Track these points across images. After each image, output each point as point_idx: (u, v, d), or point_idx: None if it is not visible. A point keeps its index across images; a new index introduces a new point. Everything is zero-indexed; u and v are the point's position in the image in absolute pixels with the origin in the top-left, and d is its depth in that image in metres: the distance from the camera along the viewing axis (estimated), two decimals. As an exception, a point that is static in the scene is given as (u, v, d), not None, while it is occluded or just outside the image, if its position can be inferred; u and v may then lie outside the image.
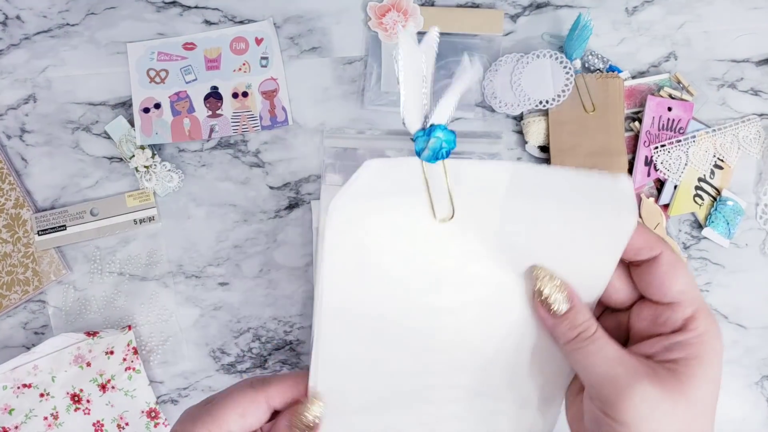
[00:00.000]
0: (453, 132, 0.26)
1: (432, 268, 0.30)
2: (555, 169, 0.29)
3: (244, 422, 0.29)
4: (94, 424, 0.59)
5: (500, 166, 0.28)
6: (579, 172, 0.28)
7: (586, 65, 0.61)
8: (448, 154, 0.27)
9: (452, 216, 0.28)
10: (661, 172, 0.59)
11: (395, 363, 0.32)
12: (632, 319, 0.30)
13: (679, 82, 0.61)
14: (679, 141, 0.59)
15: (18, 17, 0.64)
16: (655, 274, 0.29)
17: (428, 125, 0.26)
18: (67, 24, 0.63)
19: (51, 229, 0.61)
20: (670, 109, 0.60)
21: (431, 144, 0.26)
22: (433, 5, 0.62)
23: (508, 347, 0.32)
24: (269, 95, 0.62)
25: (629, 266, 0.31)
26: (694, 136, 0.60)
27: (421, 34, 0.62)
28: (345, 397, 0.32)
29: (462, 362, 0.32)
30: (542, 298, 0.29)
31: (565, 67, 0.59)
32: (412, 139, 0.27)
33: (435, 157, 0.26)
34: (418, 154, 0.27)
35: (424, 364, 0.32)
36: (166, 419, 0.60)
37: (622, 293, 0.31)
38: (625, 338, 0.30)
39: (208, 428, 0.29)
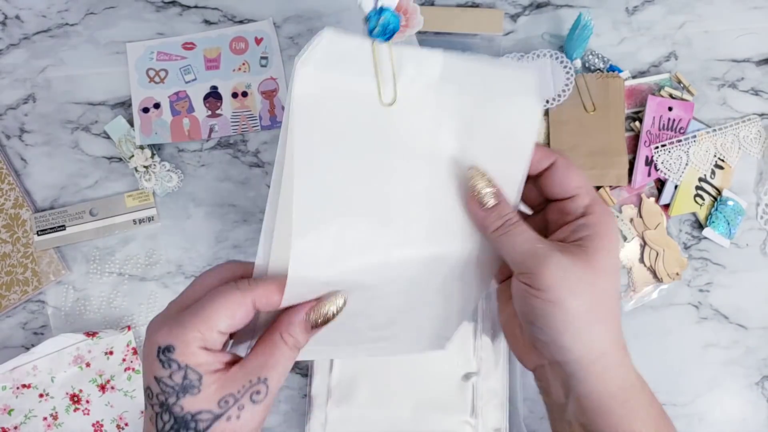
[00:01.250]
0: (398, 15, 0.32)
1: (382, 142, 0.34)
2: (477, 61, 0.34)
3: (232, 322, 0.31)
4: (93, 425, 0.59)
5: (434, 54, 0.33)
6: (493, 64, 0.35)
7: (587, 65, 0.61)
8: (393, 32, 0.32)
9: (394, 101, 0.33)
10: (661, 172, 0.59)
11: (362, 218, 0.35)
12: (546, 217, 0.37)
13: (679, 82, 0.61)
14: (680, 141, 0.59)
15: (17, 17, 0.63)
16: (554, 177, 0.35)
17: (379, 6, 0.32)
18: (67, 24, 0.63)
19: (50, 229, 0.61)
20: (670, 108, 0.59)
21: (381, 21, 0.32)
22: (433, 5, 0.62)
23: (447, 207, 0.36)
24: (269, 95, 0.62)
25: (534, 179, 0.36)
26: (695, 136, 0.59)
27: (421, 34, 0.62)
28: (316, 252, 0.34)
29: (417, 215, 0.35)
30: (474, 193, 0.34)
31: (565, 66, 0.59)
32: (365, 19, 0.32)
33: (384, 32, 0.32)
34: (371, 32, 0.32)
35: (387, 218, 0.35)
36: (165, 420, 0.60)
37: (533, 197, 0.37)
38: (544, 236, 0.35)
39: (199, 330, 0.30)
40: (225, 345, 0.33)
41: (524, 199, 0.37)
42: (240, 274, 0.33)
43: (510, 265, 0.34)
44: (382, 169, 0.34)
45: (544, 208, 0.37)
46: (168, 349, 0.30)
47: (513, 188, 0.36)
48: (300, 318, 0.32)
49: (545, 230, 0.36)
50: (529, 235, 0.33)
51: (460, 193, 0.35)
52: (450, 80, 0.33)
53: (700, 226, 0.60)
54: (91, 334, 0.58)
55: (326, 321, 0.32)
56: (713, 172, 0.60)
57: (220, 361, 0.31)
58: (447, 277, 0.37)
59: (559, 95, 0.59)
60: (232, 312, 0.30)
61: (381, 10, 0.32)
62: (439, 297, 0.38)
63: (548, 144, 0.60)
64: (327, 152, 0.32)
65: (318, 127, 0.32)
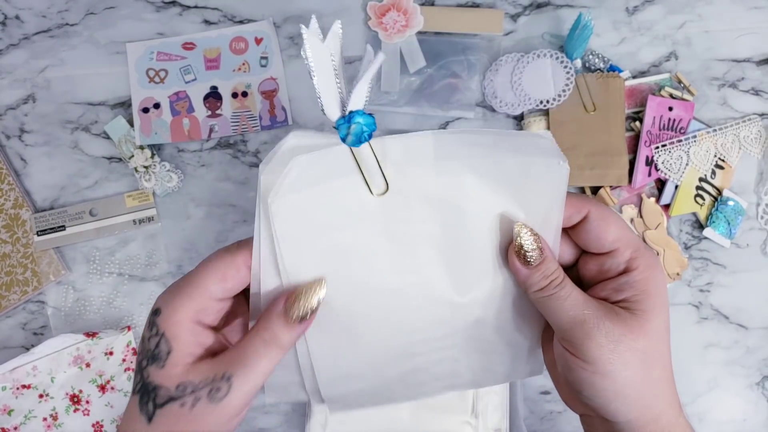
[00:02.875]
0: (371, 115, 0.28)
1: (384, 238, 0.32)
2: (475, 132, 0.31)
3: (224, 285, 0.30)
4: (93, 425, 0.58)
5: (421, 135, 0.30)
6: (499, 133, 0.31)
7: (587, 65, 0.61)
8: (370, 136, 0.29)
9: (386, 189, 0.30)
10: (662, 172, 0.59)
11: (375, 334, 0.33)
12: (581, 272, 0.33)
13: (679, 82, 0.61)
14: (680, 141, 0.59)
15: (17, 17, 0.63)
16: (589, 231, 0.31)
17: (347, 112, 0.28)
18: (67, 24, 0.63)
19: (50, 229, 0.61)
20: (671, 108, 0.59)
21: (353, 129, 0.28)
22: (433, 5, 0.62)
23: (478, 295, 0.33)
24: (269, 95, 0.62)
25: (567, 231, 0.33)
26: (695, 136, 0.59)
27: (421, 34, 0.62)
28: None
29: (440, 316, 0.34)
30: (520, 250, 0.31)
31: (565, 66, 0.59)
32: (334, 127, 0.28)
33: (358, 140, 0.28)
34: (343, 140, 0.28)
35: (405, 325, 0.33)
36: (165, 420, 0.60)
37: (566, 254, 0.33)
38: (578, 286, 0.33)
39: (189, 295, 0.29)
40: (226, 326, 0.32)
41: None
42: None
43: (554, 328, 0.32)
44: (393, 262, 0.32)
45: (578, 258, 0.34)
46: (156, 311, 0.29)
47: (549, 238, 0.33)
48: (278, 309, 0.30)
49: (579, 282, 0.33)
50: (575, 299, 0.30)
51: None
52: (448, 156, 0.30)
53: (701, 226, 0.60)
54: (91, 335, 0.58)
55: (306, 313, 0.30)
56: (713, 172, 0.60)
57: (202, 344, 0.30)
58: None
59: (559, 95, 0.59)
60: (222, 274, 0.30)
61: (350, 117, 0.28)
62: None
63: (548, 144, 0.60)
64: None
65: (309, 244, 0.30)
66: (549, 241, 0.32)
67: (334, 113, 0.28)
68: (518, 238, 0.31)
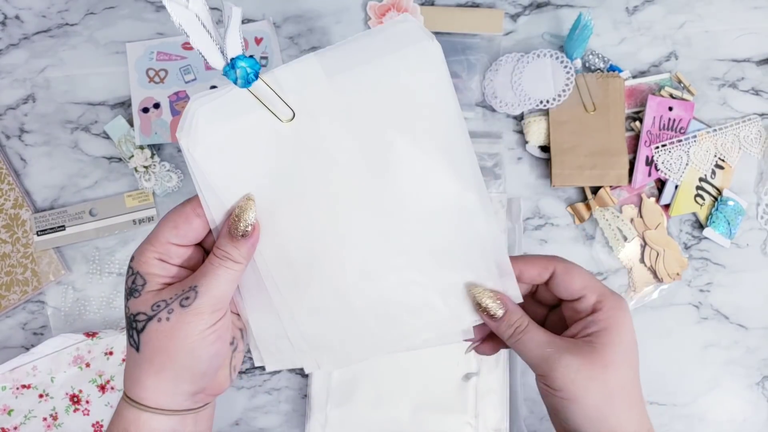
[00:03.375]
0: (252, 57, 0.31)
1: (307, 158, 0.34)
2: (350, 40, 0.34)
3: (177, 232, 0.34)
4: (93, 425, 0.58)
5: (306, 59, 0.33)
6: (368, 34, 0.33)
7: (587, 65, 0.61)
8: (256, 75, 0.31)
9: (293, 115, 0.33)
10: (662, 172, 0.59)
11: (325, 252, 0.36)
12: (563, 312, 0.39)
13: (679, 82, 0.61)
14: (680, 141, 0.59)
15: (17, 17, 0.63)
16: (558, 284, 0.37)
17: (229, 60, 0.31)
18: (67, 24, 0.63)
19: (50, 229, 0.61)
20: (670, 108, 0.59)
21: (239, 74, 0.31)
22: (433, 5, 0.62)
23: (412, 204, 0.36)
24: (269, 95, 0.62)
25: (543, 284, 0.38)
26: (695, 136, 0.59)
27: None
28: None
29: (381, 227, 0.36)
30: (483, 308, 0.37)
31: (565, 66, 0.59)
32: (224, 76, 0.31)
33: (247, 81, 0.31)
34: (235, 83, 0.32)
35: (349, 240, 0.36)
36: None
37: (548, 298, 0.39)
38: (565, 327, 0.38)
39: (151, 242, 0.34)
40: (194, 261, 0.36)
41: (540, 299, 0.39)
42: None
43: (527, 364, 0.37)
44: (319, 184, 0.35)
45: (560, 305, 0.39)
46: (131, 259, 0.35)
47: (450, 124, 0.35)
48: (224, 231, 0.35)
49: (563, 322, 0.39)
50: (539, 340, 0.36)
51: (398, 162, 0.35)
52: (336, 71, 0.33)
53: (701, 226, 0.60)
54: (90, 335, 0.58)
55: (246, 227, 0.34)
56: (713, 172, 0.60)
57: (170, 275, 0.35)
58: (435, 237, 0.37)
59: (560, 95, 0.59)
60: (174, 223, 0.34)
61: (233, 63, 0.31)
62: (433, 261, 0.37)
63: (548, 144, 0.60)
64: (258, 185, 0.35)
65: (236, 175, 0.34)
66: (459, 132, 0.35)
67: (219, 63, 0.31)
68: (481, 301, 0.37)
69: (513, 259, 0.37)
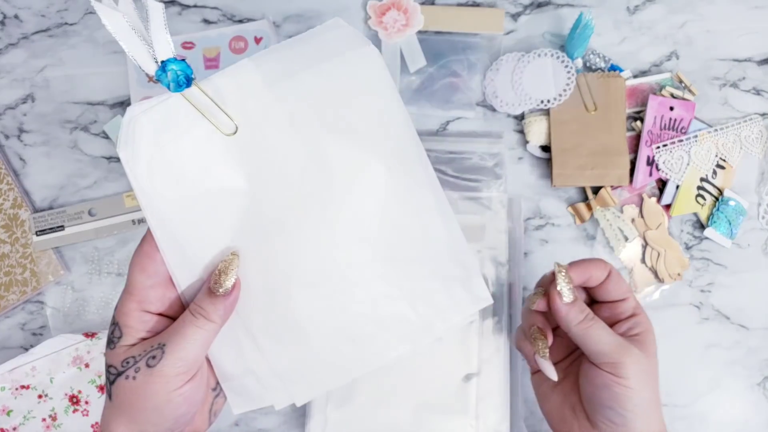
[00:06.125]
0: (183, 60, 0.30)
1: (254, 171, 0.33)
2: (284, 45, 0.33)
3: (147, 274, 0.34)
4: (92, 426, 0.58)
5: (242, 65, 0.32)
6: (302, 39, 0.33)
7: (588, 64, 0.61)
8: (189, 78, 0.30)
9: (236, 129, 0.32)
10: (663, 172, 0.59)
11: (284, 263, 0.35)
12: (602, 313, 0.41)
13: (680, 82, 0.61)
14: (681, 141, 0.59)
15: (16, 16, 0.63)
16: (611, 284, 0.41)
17: (160, 63, 0.30)
18: (66, 23, 0.63)
19: (49, 229, 0.61)
20: (671, 108, 0.59)
21: (170, 77, 0.30)
22: (433, 4, 0.62)
23: (372, 211, 0.35)
24: (269, 95, 0.62)
25: (594, 288, 0.42)
26: (696, 136, 0.59)
27: (421, 33, 0.61)
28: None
29: (346, 238, 0.35)
30: (559, 290, 0.39)
31: (566, 66, 0.59)
32: (155, 81, 0.30)
33: (178, 85, 0.30)
34: (168, 88, 0.31)
35: (310, 253, 0.35)
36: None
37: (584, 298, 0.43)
38: None
39: (128, 290, 0.34)
40: (174, 308, 0.35)
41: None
42: None
43: (591, 354, 0.39)
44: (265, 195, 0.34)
45: (591, 307, 0.41)
46: (115, 308, 0.35)
47: (396, 125, 0.34)
48: (205, 287, 0.34)
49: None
50: (609, 329, 0.39)
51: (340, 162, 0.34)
52: (277, 79, 0.32)
53: (702, 227, 0.60)
54: (90, 335, 0.58)
55: (224, 278, 0.33)
56: (715, 172, 0.60)
57: (147, 328, 0.34)
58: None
59: (560, 95, 0.59)
60: (141, 266, 0.34)
61: (164, 66, 0.30)
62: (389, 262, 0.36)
63: (549, 143, 0.59)
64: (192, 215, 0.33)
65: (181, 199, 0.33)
66: (408, 134, 0.34)
67: (150, 67, 0.30)
68: (557, 277, 0.39)
69: (577, 263, 0.40)
